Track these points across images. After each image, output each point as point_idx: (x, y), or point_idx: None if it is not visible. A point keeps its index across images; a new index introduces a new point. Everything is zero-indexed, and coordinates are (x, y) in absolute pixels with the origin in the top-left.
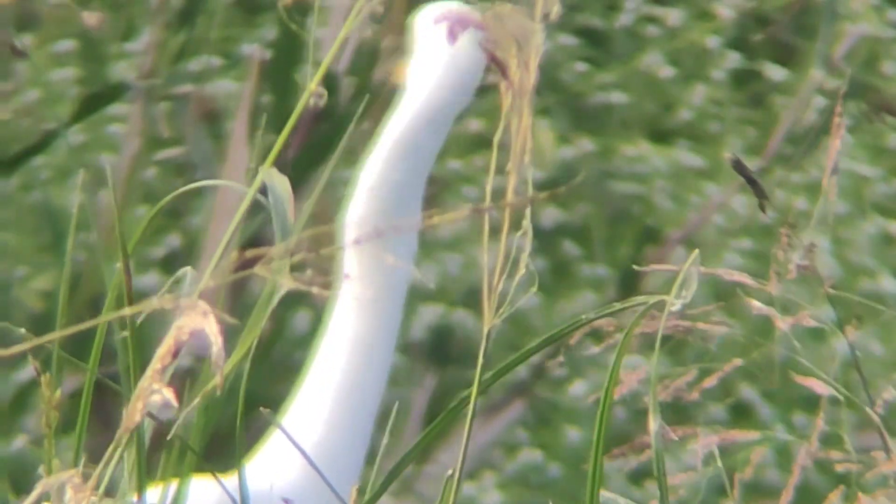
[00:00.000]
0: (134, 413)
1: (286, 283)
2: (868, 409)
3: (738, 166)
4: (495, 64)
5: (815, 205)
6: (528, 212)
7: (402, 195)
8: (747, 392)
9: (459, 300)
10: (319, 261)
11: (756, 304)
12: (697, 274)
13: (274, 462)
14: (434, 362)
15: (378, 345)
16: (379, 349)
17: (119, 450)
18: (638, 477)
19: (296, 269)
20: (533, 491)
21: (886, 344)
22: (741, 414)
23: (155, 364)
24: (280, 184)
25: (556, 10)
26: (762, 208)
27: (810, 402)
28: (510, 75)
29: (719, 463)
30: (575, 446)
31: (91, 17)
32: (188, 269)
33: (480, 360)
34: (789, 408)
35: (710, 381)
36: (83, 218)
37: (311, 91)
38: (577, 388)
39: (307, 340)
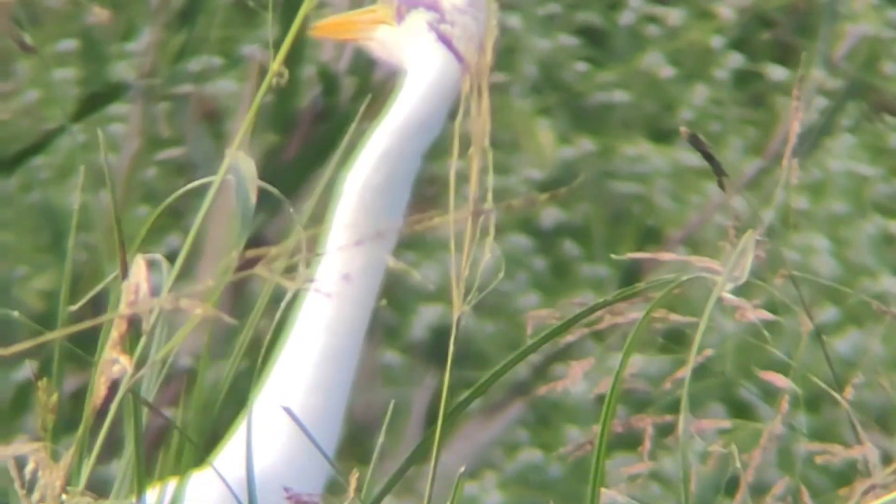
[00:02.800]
0: (99, 387)
1: (290, 284)
2: (836, 395)
3: (695, 141)
4: (446, 45)
5: (815, 205)
6: (489, 197)
7: (391, 197)
8: (746, 392)
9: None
10: (319, 261)
11: (727, 296)
12: (752, 256)
13: (259, 430)
14: (434, 362)
15: (353, 325)
16: (354, 329)
17: (102, 431)
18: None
19: (296, 268)
20: (533, 491)
21: (886, 344)
22: (741, 414)
23: (112, 333)
24: (245, 165)
25: None
26: (721, 186)
27: (810, 403)
28: (465, 58)
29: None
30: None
31: (102, 14)
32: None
33: (451, 348)
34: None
35: (682, 373)
36: (83, 218)
37: (273, 71)
38: (578, 386)
39: None
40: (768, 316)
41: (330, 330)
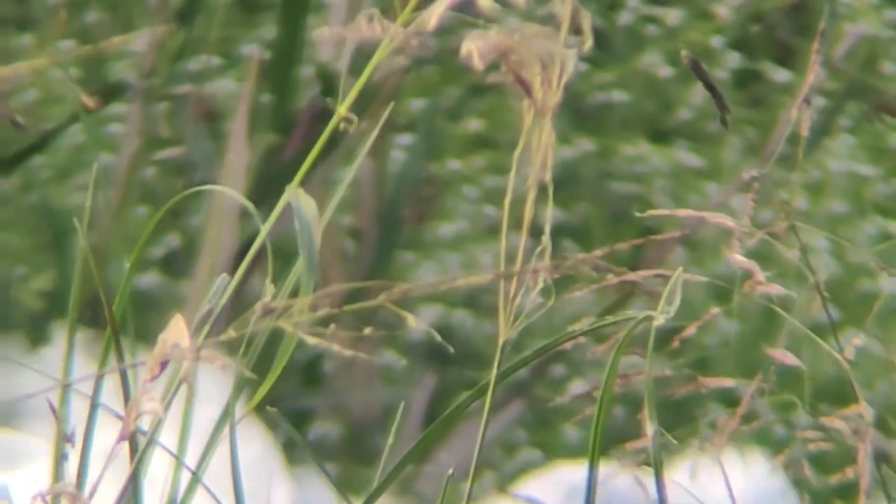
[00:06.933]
0: (127, 426)
1: (310, 339)
2: (837, 355)
3: (696, 68)
4: (520, 83)
5: (815, 205)
6: (547, 231)
7: None
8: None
9: (459, 300)
10: (343, 316)
11: (737, 258)
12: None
13: None
14: (434, 362)
15: None
16: None
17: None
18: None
19: (319, 322)
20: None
21: (886, 344)
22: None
23: (144, 375)
24: (307, 205)
25: (589, 44)
26: (724, 122)
27: (810, 404)
28: (534, 94)
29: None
30: (574, 446)
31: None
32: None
33: (494, 374)
34: (789, 407)
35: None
36: (82, 218)
37: (340, 116)
38: (577, 387)
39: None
40: (780, 290)
41: None
